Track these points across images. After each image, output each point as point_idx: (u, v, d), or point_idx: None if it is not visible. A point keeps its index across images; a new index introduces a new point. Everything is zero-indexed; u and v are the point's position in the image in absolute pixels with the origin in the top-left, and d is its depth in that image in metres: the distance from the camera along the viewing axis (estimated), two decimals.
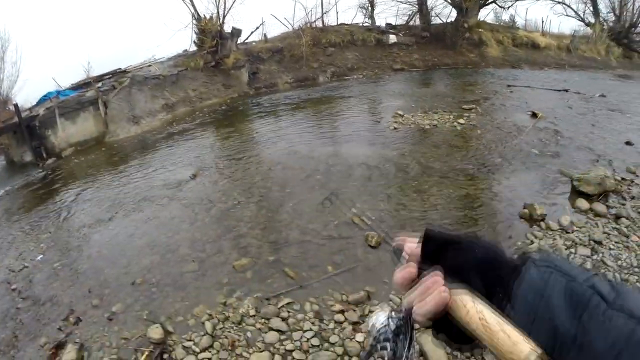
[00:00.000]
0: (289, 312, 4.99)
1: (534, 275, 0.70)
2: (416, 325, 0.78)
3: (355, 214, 6.75)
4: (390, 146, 9.68)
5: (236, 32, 18.99)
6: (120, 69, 19.64)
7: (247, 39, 20.82)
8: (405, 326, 0.78)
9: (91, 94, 15.87)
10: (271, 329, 4.73)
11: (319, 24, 20.70)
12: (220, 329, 4.81)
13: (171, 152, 11.51)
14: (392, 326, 0.79)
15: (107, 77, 18.50)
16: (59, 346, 5.10)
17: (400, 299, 1.15)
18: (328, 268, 5.70)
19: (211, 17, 18.21)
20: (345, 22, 22.27)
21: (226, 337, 4.68)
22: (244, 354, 4.44)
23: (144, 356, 4.58)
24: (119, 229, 7.62)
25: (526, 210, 6.70)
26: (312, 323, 4.81)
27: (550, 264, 0.71)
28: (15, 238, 8.65)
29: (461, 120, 11.09)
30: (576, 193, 7.11)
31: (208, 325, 4.83)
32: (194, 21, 18.51)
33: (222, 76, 17.72)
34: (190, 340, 4.70)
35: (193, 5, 18.32)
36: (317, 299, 5.17)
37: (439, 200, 7.09)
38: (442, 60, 19.78)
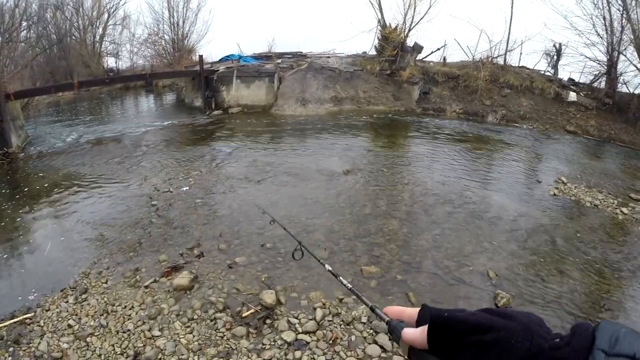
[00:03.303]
0: None
1: None
2: None
3: (490, 268, 6.14)
4: (546, 212, 8.77)
5: (417, 48, 18.80)
6: (301, 52, 20.61)
7: (426, 57, 20.53)
8: None
9: (270, 67, 16.83)
10: (376, 342, 4.44)
11: (501, 61, 19.74)
12: (329, 321, 4.65)
13: (329, 143, 11.63)
14: None
15: (288, 56, 19.52)
16: (176, 268, 5.34)
17: None
18: None
19: (396, 27, 18.22)
20: (527, 66, 20.98)
21: (331, 331, 4.50)
22: (342, 353, 4.24)
23: (249, 312, 4.58)
24: (264, 193, 7.80)
25: None
26: None
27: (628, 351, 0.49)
28: (169, 165, 9.31)
29: (625, 210, 9.70)
30: None
31: (319, 313, 4.70)
32: (379, 27, 18.69)
33: (394, 87, 17.63)
34: (296, 319, 4.61)
35: (381, 12, 18.52)
36: None
37: (578, 286, 6.19)
38: (620, 135, 17.55)
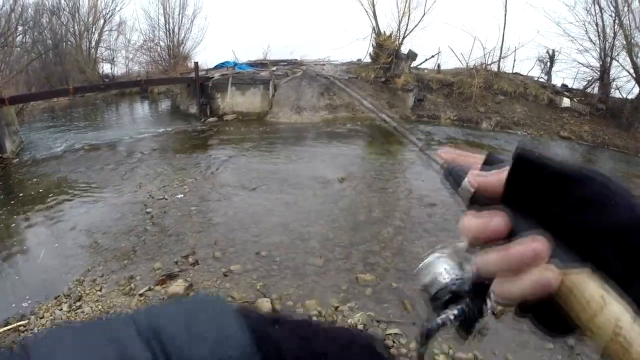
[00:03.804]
0: (394, 342, 4.68)
1: None
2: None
3: None
4: None
5: (412, 55, 18.91)
6: (296, 59, 20.68)
7: (420, 64, 20.64)
8: (474, 292, 0.53)
9: (265, 74, 16.89)
10: None
11: (494, 67, 19.84)
12: None
13: (324, 150, 11.70)
14: (453, 287, 0.55)
15: (283, 63, 19.59)
16: (170, 276, 5.33)
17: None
18: None
19: (390, 35, 18.33)
20: (521, 73, 21.09)
21: None
22: None
23: None
24: (259, 201, 7.82)
25: None
26: None
27: None
28: (163, 172, 9.33)
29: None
30: None
31: None
32: (374, 34, 18.81)
33: (389, 94, 17.69)
34: None
35: (375, 20, 18.62)
36: None
37: None
38: (613, 140, 17.60)
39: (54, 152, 11.18)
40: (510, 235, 0.44)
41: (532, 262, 0.42)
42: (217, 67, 19.43)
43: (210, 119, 15.40)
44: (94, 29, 26.12)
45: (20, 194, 8.15)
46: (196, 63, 16.66)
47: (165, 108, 20.34)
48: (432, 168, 0.60)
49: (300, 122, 15.12)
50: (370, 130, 14.72)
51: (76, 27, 25.48)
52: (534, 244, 0.42)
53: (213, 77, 16.39)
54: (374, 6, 18.21)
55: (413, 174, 10.12)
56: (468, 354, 4.61)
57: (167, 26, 25.64)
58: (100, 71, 26.27)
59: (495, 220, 0.45)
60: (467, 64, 19.83)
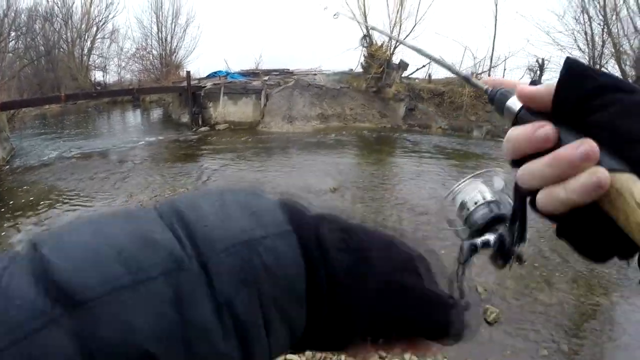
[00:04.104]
0: (386, 353, 4.68)
1: None
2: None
3: (479, 284, 6.24)
4: (531, 224, 8.87)
5: (403, 65, 19.02)
6: (288, 69, 20.76)
7: (411, 74, 20.64)
8: (513, 216, 0.53)
9: (257, 84, 16.96)
10: None
11: (485, 76, 19.92)
12: None
13: (316, 160, 11.72)
14: (489, 209, 0.56)
15: (275, 73, 19.66)
16: None
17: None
18: None
19: (382, 45, 18.50)
20: None
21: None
22: None
23: None
24: None
25: None
26: None
27: None
28: (155, 181, 9.34)
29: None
30: None
31: None
32: (365, 44, 18.95)
33: (380, 104, 17.84)
34: None
35: (367, 29, 18.70)
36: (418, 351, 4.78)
37: (567, 298, 6.32)
38: None
39: (45, 159, 11.15)
40: (555, 148, 0.44)
41: (582, 163, 0.41)
42: (209, 77, 19.47)
43: (202, 129, 15.43)
44: (86, 36, 26.12)
45: (11, 202, 8.12)
46: (188, 72, 16.74)
47: (157, 117, 20.35)
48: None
49: (292, 132, 15.16)
50: (361, 140, 14.80)
51: (69, 34, 25.48)
52: (584, 145, 0.41)
53: (205, 87, 16.45)
54: (366, 16, 18.36)
55: (404, 183, 10.18)
56: None
57: (160, 35, 25.72)
58: (93, 79, 26.26)
59: (543, 128, 0.44)
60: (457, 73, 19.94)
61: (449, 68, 0.70)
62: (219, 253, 0.36)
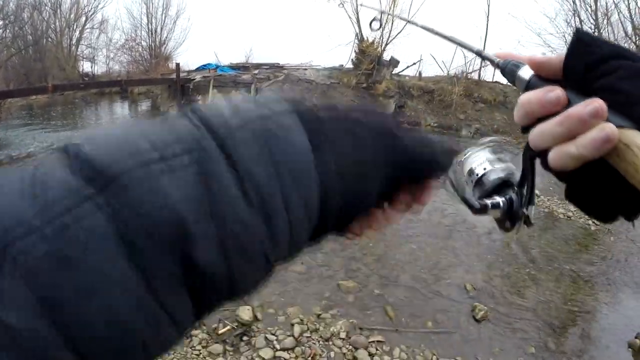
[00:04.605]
0: (377, 349, 4.68)
1: None
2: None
3: (467, 281, 6.31)
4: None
5: (393, 62, 19.09)
6: (278, 63, 20.71)
7: (402, 71, 20.82)
8: (524, 173, 0.57)
9: (247, 77, 16.89)
10: (355, 358, 4.48)
11: (475, 76, 20.07)
12: (307, 337, 4.65)
13: None
14: (496, 178, 0.60)
15: (265, 67, 19.61)
16: None
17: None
18: (428, 323, 5.32)
19: (373, 41, 18.52)
20: (501, 82, 21.41)
21: (309, 347, 4.51)
22: None
23: (225, 329, 4.54)
24: None
25: (637, 341, 5.64)
26: None
27: None
28: None
29: (596, 221, 10.05)
30: None
31: (297, 329, 4.69)
32: (356, 41, 18.96)
33: (370, 100, 17.67)
34: (274, 335, 4.61)
35: (359, 26, 18.77)
36: (407, 349, 4.79)
37: (553, 296, 6.41)
38: None
39: (31, 150, 11.02)
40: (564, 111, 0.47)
41: (591, 120, 0.45)
42: (198, 69, 19.35)
43: None
44: (75, 26, 25.81)
45: None
46: (177, 64, 16.64)
47: (145, 109, 20.16)
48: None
49: None
50: None
51: (57, 24, 25.10)
52: (594, 103, 0.44)
53: (194, 79, 16.35)
54: (357, 12, 18.36)
55: None
56: None
57: (150, 26, 25.50)
58: (81, 69, 25.91)
59: (554, 91, 0.47)
60: (448, 71, 20.05)
61: (460, 44, 0.75)
62: (234, 130, 0.39)
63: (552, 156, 0.47)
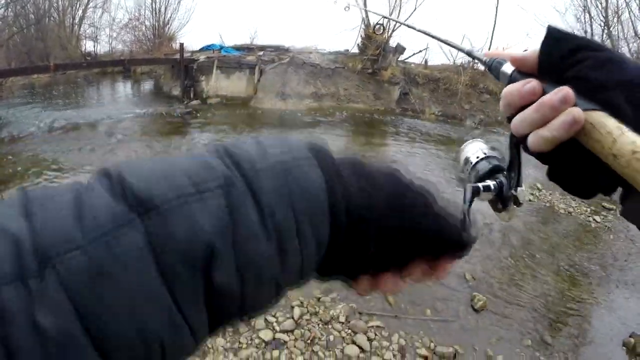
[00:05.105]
0: (376, 334, 4.79)
1: None
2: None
3: (467, 271, 6.32)
4: (521, 217, 9.02)
5: (400, 49, 18.86)
6: (283, 46, 20.54)
7: (408, 58, 20.61)
8: (512, 159, 0.64)
9: (252, 58, 16.75)
10: (354, 342, 4.56)
11: (481, 66, 19.93)
12: (307, 320, 4.73)
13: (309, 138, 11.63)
14: (488, 164, 0.68)
15: (270, 49, 19.43)
16: None
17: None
18: (427, 311, 5.37)
19: (381, 26, 18.28)
20: None
21: (309, 330, 4.59)
22: (320, 353, 4.34)
23: None
24: None
25: (631, 340, 5.65)
26: (394, 355, 4.56)
27: None
28: (144, 154, 9.20)
29: (597, 218, 10.03)
30: None
31: (297, 311, 4.77)
32: (363, 26, 18.68)
33: (375, 86, 17.69)
34: (274, 317, 4.68)
35: (366, 11, 18.48)
36: (406, 335, 4.88)
37: (551, 291, 6.43)
38: None
39: (32, 130, 10.96)
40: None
41: (561, 106, 0.51)
42: (202, 50, 19.20)
43: (194, 102, 15.21)
44: (78, 5, 25.52)
45: None
46: (181, 44, 16.47)
47: (148, 89, 20.04)
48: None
49: (285, 109, 15.06)
50: (354, 121, 14.76)
51: (60, 2, 24.84)
52: (562, 91, 0.51)
53: (198, 60, 16.20)
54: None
55: (393, 163, 10.20)
56: (449, 348, 4.73)
57: (154, 5, 25.12)
58: (83, 49, 25.70)
59: (530, 83, 0.55)
60: (454, 61, 19.90)
61: (453, 46, 0.87)
62: (260, 172, 0.44)
63: (531, 140, 0.55)
